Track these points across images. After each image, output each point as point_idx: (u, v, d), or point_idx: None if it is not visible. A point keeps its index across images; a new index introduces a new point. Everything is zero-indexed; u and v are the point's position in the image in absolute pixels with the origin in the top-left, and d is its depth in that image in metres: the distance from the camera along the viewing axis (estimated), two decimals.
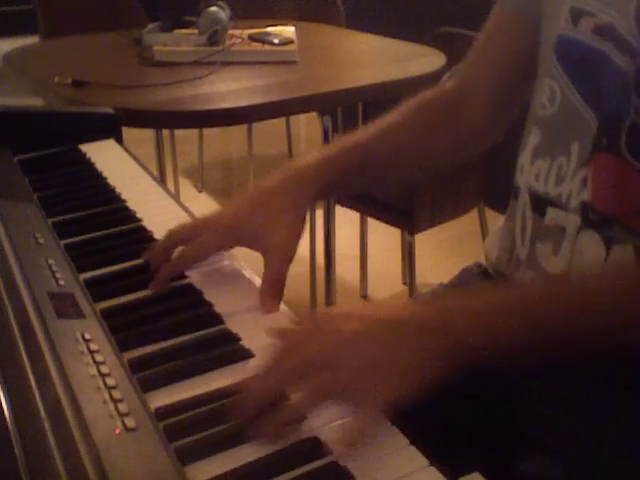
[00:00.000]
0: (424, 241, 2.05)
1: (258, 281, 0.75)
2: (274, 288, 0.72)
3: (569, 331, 0.60)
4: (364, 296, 2.37)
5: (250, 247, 0.76)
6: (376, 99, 2.38)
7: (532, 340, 0.60)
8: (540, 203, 0.76)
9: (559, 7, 0.73)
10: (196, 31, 1.99)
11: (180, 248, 0.77)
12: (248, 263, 0.79)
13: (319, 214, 2.07)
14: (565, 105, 0.73)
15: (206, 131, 3.24)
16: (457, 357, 0.57)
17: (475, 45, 0.89)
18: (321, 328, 0.58)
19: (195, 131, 3.21)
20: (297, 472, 0.50)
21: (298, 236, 0.76)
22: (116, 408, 0.54)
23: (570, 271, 0.72)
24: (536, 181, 0.76)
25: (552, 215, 0.74)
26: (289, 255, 0.75)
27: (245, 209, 0.78)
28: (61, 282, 0.71)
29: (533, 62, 0.79)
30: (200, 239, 0.76)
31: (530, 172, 0.77)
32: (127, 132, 1.15)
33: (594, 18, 0.69)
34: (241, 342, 0.65)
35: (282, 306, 0.72)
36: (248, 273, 0.77)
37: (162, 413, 0.55)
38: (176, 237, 0.77)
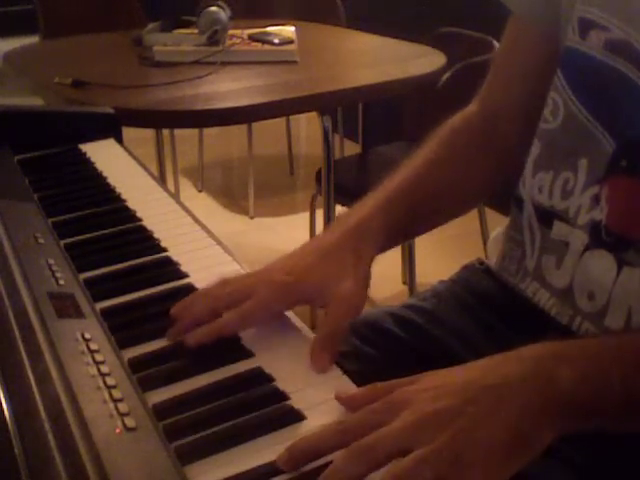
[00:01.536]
0: (424, 241, 2.04)
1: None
2: (330, 342, 0.63)
3: None
4: None
5: (312, 303, 0.70)
6: (376, 99, 2.38)
7: (629, 392, 0.53)
8: (546, 216, 0.75)
9: (568, 16, 0.71)
10: (196, 31, 1.99)
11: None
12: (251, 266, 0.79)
13: (319, 214, 2.07)
14: (569, 120, 0.72)
15: (206, 131, 3.24)
16: (559, 412, 0.51)
17: (494, 64, 0.86)
18: (403, 405, 0.51)
19: (195, 131, 3.21)
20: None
21: (365, 289, 0.68)
22: (116, 408, 0.54)
23: (573, 287, 0.71)
24: (539, 193, 0.76)
25: (558, 228, 0.74)
26: (356, 306, 0.66)
27: (305, 264, 0.69)
28: (61, 282, 0.71)
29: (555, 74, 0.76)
30: (256, 298, 0.66)
31: (532, 184, 0.77)
32: (127, 132, 1.15)
33: (606, 32, 0.67)
34: (241, 341, 0.65)
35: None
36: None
37: (162, 413, 0.55)
38: (223, 300, 0.67)
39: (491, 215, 2.12)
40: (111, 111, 1.15)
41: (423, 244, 2.07)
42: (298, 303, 0.68)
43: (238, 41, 2.03)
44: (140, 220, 0.88)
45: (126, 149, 1.10)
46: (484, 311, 0.84)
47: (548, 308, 0.75)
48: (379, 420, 0.50)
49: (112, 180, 0.99)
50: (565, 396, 0.51)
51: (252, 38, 2.06)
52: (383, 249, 0.74)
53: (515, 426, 0.49)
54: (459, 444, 0.47)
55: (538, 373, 0.52)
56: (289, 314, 0.70)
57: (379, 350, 0.84)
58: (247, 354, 0.63)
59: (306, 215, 2.35)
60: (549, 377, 0.51)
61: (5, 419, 0.49)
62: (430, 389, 0.52)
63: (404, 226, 0.78)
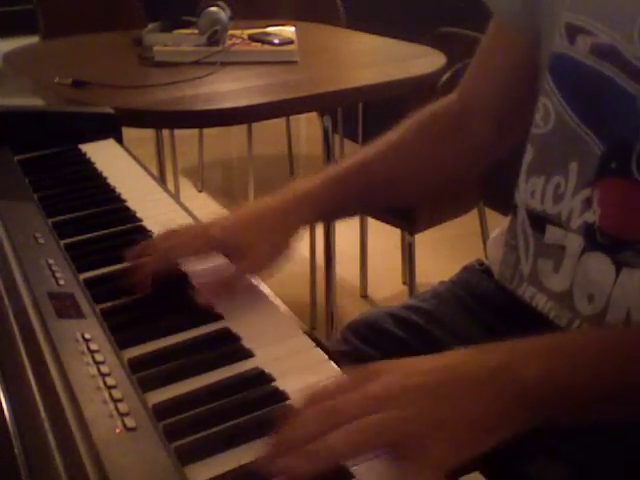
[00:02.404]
0: (424, 241, 2.05)
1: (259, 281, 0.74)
2: (221, 287, 0.72)
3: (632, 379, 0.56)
4: (364, 296, 2.37)
5: (230, 260, 0.76)
6: (376, 99, 2.38)
7: (596, 386, 0.55)
8: (538, 221, 0.75)
9: (554, 22, 0.71)
10: (196, 31, 1.98)
11: None
12: None
13: None
14: (560, 125, 0.72)
15: (206, 131, 3.24)
16: (525, 403, 0.53)
17: (476, 56, 0.87)
18: (378, 376, 0.53)
19: (195, 131, 3.21)
20: None
21: (278, 258, 0.76)
22: (116, 408, 0.54)
23: (573, 290, 0.72)
24: (532, 198, 0.76)
25: (551, 233, 0.74)
26: (258, 269, 0.75)
27: (237, 224, 0.77)
28: (61, 282, 0.71)
29: (535, 77, 0.77)
30: (181, 240, 0.75)
31: (525, 190, 0.77)
32: (127, 132, 1.15)
33: (592, 37, 0.67)
34: (241, 341, 0.65)
35: (282, 306, 0.72)
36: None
37: (162, 413, 0.55)
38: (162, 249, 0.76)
39: (491, 215, 2.12)
40: (111, 111, 1.15)
41: (423, 244, 2.07)
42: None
43: (238, 41, 2.02)
44: (140, 220, 0.88)
45: (126, 149, 1.10)
46: (484, 312, 0.84)
47: (546, 312, 0.75)
48: (350, 388, 0.51)
49: (112, 180, 0.99)
50: (536, 386, 0.53)
51: (252, 38, 2.05)
52: (318, 221, 0.87)
53: (486, 409, 0.51)
54: (427, 419, 0.50)
55: (511, 364, 0.54)
56: (289, 314, 0.70)
57: (379, 350, 0.84)
58: (247, 354, 0.63)
59: None
60: (521, 367, 0.53)
61: (5, 419, 0.49)
62: (403, 366, 0.54)
63: (350, 203, 0.85)
